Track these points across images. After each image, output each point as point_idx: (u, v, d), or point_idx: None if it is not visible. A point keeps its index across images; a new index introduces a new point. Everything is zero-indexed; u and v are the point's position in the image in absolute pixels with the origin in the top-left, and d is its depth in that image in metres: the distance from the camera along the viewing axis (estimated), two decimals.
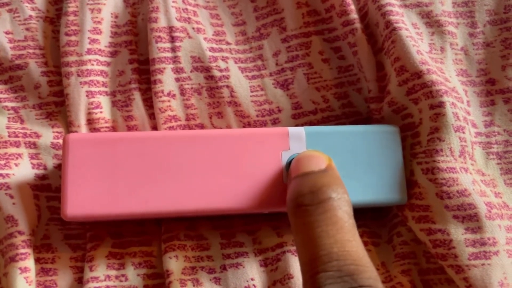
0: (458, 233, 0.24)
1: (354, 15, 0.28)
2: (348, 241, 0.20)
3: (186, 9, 0.29)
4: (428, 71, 0.25)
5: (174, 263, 0.25)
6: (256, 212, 0.25)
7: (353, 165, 0.25)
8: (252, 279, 0.25)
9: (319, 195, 0.21)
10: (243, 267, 0.26)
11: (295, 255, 0.26)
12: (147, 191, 0.23)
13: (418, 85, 0.26)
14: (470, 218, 0.24)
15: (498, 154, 0.28)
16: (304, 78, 0.28)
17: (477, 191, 0.24)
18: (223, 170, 0.24)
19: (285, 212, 0.24)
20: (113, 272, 0.25)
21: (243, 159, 0.24)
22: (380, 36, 0.28)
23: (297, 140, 0.25)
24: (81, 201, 0.23)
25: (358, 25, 0.28)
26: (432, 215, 0.25)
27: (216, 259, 0.26)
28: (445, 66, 0.28)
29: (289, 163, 0.24)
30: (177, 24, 0.28)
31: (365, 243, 0.27)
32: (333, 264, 0.19)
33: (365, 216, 0.28)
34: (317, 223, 0.20)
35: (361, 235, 0.27)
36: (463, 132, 0.25)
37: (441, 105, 0.25)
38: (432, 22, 0.29)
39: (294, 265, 0.25)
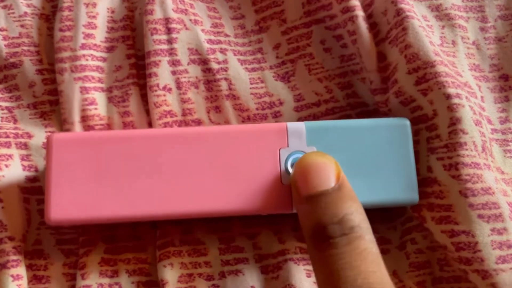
0: (484, 235, 0.22)
1: (354, 2, 0.27)
2: (372, 272, 0.19)
3: (183, 1, 0.28)
4: (441, 62, 0.24)
5: (169, 272, 0.24)
6: (252, 214, 0.23)
7: (359, 163, 0.23)
8: (252, 287, 0.24)
9: (343, 225, 0.19)
10: (243, 274, 0.25)
11: (298, 264, 0.24)
12: (136, 193, 0.22)
13: (431, 73, 0.24)
14: (496, 218, 0.23)
15: None
16: (305, 69, 0.27)
17: (500, 190, 0.23)
18: (217, 170, 0.23)
19: (283, 213, 0.23)
20: (106, 280, 0.25)
21: (238, 158, 0.23)
22: (386, 24, 0.27)
23: (296, 137, 0.23)
24: (66, 204, 0.22)
25: (358, 12, 0.27)
26: (455, 215, 0.23)
27: (214, 266, 0.25)
28: (458, 60, 0.27)
29: (286, 161, 0.23)
30: (174, 15, 0.27)
31: None
32: None
33: (374, 218, 0.26)
34: (341, 255, 0.19)
35: None
36: (481, 127, 0.24)
37: (458, 96, 0.24)
38: (442, 16, 0.28)
39: (296, 275, 0.24)
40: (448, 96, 0.24)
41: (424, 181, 0.24)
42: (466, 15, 0.29)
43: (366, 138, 0.23)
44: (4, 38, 0.28)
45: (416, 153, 0.25)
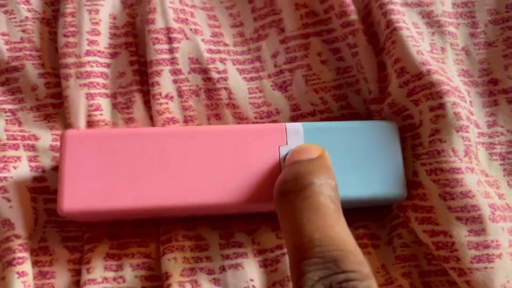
0: (461, 235, 0.24)
1: (354, 16, 0.28)
2: (330, 226, 0.19)
3: (184, 9, 0.29)
4: (428, 72, 0.25)
5: (173, 265, 0.25)
6: (254, 208, 0.25)
7: (351, 160, 0.25)
8: (251, 280, 0.25)
9: (301, 181, 0.20)
10: (243, 268, 0.25)
11: None
12: (144, 186, 0.23)
13: (419, 86, 0.25)
14: (474, 220, 0.24)
15: (501, 155, 0.27)
16: (302, 79, 0.28)
17: (482, 192, 0.24)
18: (221, 166, 0.24)
19: None
20: (110, 274, 0.25)
21: (240, 154, 0.24)
22: (382, 35, 0.28)
23: (294, 135, 0.25)
24: (78, 196, 0.23)
25: (358, 26, 0.28)
26: (435, 216, 0.24)
27: (215, 260, 0.26)
28: (447, 66, 0.28)
29: (285, 156, 0.24)
30: (175, 25, 0.28)
31: (365, 245, 0.26)
32: (315, 250, 0.19)
33: (365, 217, 0.28)
34: (300, 210, 0.20)
35: (361, 237, 0.27)
36: (467, 132, 0.25)
37: (441, 106, 0.25)
38: (433, 22, 0.28)
39: None
40: (431, 108, 0.25)
41: (411, 184, 0.26)
42: (456, 22, 0.29)
43: (358, 138, 0.25)
44: (6, 43, 0.28)
45: (404, 159, 0.26)
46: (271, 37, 0.29)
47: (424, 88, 0.25)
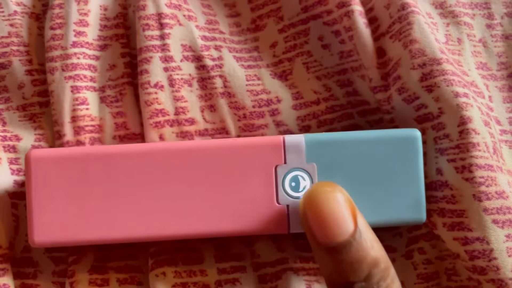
0: (499, 241, 0.22)
1: None
2: None
3: None
4: (447, 61, 0.24)
5: (161, 282, 0.23)
6: (245, 235, 0.22)
7: (363, 180, 0.22)
8: None
9: (371, 280, 0.19)
10: (240, 284, 0.24)
11: (298, 275, 0.24)
12: (122, 214, 0.22)
13: (437, 71, 0.23)
14: (510, 224, 0.22)
15: None
16: (303, 67, 0.27)
17: None
18: (207, 189, 0.22)
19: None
20: None
21: (230, 176, 0.22)
22: (388, 18, 0.26)
23: (294, 152, 0.22)
24: (50, 226, 0.22)
25: (355, 6, 0.26)
26: (468, 221, 0.22)
27: (210, 274, 0.24)
28: (464, 58, 0.26)
29: (283, 179, 0.22)
30: (167, 10, 0.26)
31: None
32: None
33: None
34: None
35: None
36: (491, 127, 0.23)
37: (466, 95, 0.23)
38: (446, 13, 0.27)
39: (296, 285, 0.23)
40: (456, 94, 0.23)
41: (434, 185, 0.23)
42: (471, 12, 0.28)
43: (371, 152, 0.22)
44: None
45: (424, 155, 0.23)
46: (269, 27, 0.28)
47: (444, 73, 0.23)
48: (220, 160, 0.22)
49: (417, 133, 0.22)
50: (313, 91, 0.26)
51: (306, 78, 0.26)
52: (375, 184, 0.22)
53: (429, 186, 0.23)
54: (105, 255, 0.24)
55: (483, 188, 0.22)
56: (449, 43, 0.26)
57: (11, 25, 0.27)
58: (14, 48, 0.27)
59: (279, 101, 0.26)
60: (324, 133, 0.23)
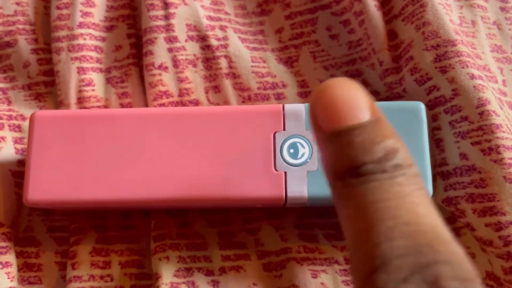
0: None
1: None
2: (422, 206, 0.14)
3: None
4: (462, 42, 0.23)
5: (164, 266, 0.23)
6: (244, 204, 0.22)
7: None
8: (254, 284, 0.23)
9: (385, 163, 0.15)
10: (244, 271, 0.23)
11: (301, 264, 0.23)
12: (119, 176, 0.21)
13: (452, 52, 0.22)
14: None
15: None
16: (310, 56, 0.26)
17: None
18: (206, 154, 0.21)
19: (283, 209, 0.22)
20: (97, 272, 0.24)
21: (229, 141, 0.21)
22: (401, 0, 0.25)
23: (294, 119, 0.21)
24: (45, 185, 0.21)
25: None
26: (500, 204, 0.21)
27: (214, 261, 0.24)
28: (478, 40, 0.25)
29: (282, 146, 0.21)
30: None
31: None
32: (402, 230, 0.13)
33: None
34: (381, 188, 0.14)
35: None
36: (504, 112, 0.23)
37: (481, 78, 0.22)
38: None
39: (300, 275, 0.23)
40: (472, 76, 0.22)
41: (459, 170, 0.22)
42: None
43: None
44: None
45: (440, 141, 0.22)
46: (276, 12, 0.27)
47: (459, 55, 0.22)
48: (220, 126, 0.21)
49: (421, 105, 0.22)
50: (319, 80, 0.26)
51: (312, 67, 0.26)
52: None
53: (453, 173, 0.22)
54: (106, 237, 0.24)
55: None
56: (463, 25, 0.26)
57: (18, 3, 0.27)
58: (20, 26, 0.27)
59: (284, 86, 0.25)
60: None
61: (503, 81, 0.25)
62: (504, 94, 0.25)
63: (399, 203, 0.14)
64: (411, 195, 0.14)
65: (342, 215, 0.15)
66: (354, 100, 0.15)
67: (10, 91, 0.26)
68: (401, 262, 0.12)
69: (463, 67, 0.22)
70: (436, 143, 0.23)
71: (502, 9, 0.27)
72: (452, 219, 0.23)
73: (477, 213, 0.22)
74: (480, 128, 0.22)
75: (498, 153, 0.21)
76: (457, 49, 0.22)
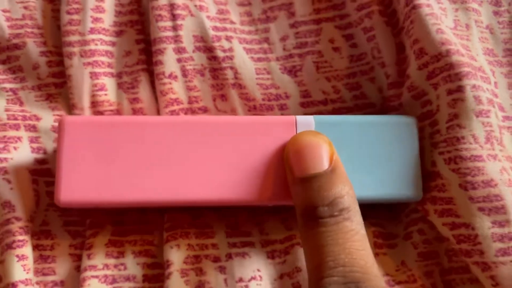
0: (484, 227, 0.23)
1: None
2: (356, 250, 0.20)
3: None
4: (447, 53, 0.24)
5: (175, 253, 0.25)
6: (259, 204, 0.24)
7: (365, 158, 0.24)
8: (258, 270, 0.25)
9: (333, 207, 0.20)
10: (250, 257, 0.25)
11: None
12: (144, 178, 0.23)
13: (438, 68, 0.24)
14: (497, 211, 0.23)
15: None
16: (313, 66, 0.27)
17: (505, 181, 0.23)
18: (225, 160, 0.23)
19: (289, 205, 0.23)
20: (111, 261, 0.25)
21: (246, 148, 0.23)
22: (401, 13, 0.26)
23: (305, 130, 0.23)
24: (76, 186, 0.22)
25: (375, 7, 0.27)
26: (456, 208, 0.23)
27: (221, 248, 0.25)
28: (472, 43, 0.26)
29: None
30: (179, 1, 0.27)
31: (380, 246, 0.26)
32: (338, 270, 0.19)
33: (380, 214, 0.27)
34: (328, 233, 0.20)
35: (377, 236, 0.26)
36: (488, 117, 0.24)
37: (459, 89, 0.24)
38: None
39: (303, 258, 0.24)
40: (449, 92, 0.24)
41: (429, 175, 0.25)
42: None
43: (373, 134, 0.24)
44: (7, 20, 0.27)
45: (422, 149, 0.25)
46: (281, 19, 0.28)
47: (442, 70, 0.24)
48: (239, 134, 0.23)
49: (413, 119, 0.24)
50: (321, 91, 0.27)
51: (315, 78, 0.27)
52: (375, 162, 0.24)
53: (425, 177, 0.25)
54: (122, 230, 0.26)
55: (468, 178, 0.23)
56: (458, 28, 0.26)
57: (25, 7, 0.28)
58: (29, 30, 0.27)
59: (287, 97, 0.27)
60: (331, 115, 0.25)
61: (495, 83, 0.26)
62: (496, 96, 0.26)
63: (341, 248, 0.19)
64: (351, 239, 0.20)
65: (304, 250, 0.21)
66: (318, 151, 0.21)
67: (21, 91, 0.27)
68: None
69: (445, 83, 0.24)
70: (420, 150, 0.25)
71: (495, 13, 0.28)
72: (422, 218, 0.25)
73: (437, 213, 0.24)
74: (445, 140, 0.24)
75: (456, 163, 0.23)
76: (441, 64, 0.24)
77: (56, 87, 0.28)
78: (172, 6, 0.27)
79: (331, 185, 0.21)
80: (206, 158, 0.23)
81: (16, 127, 0.26)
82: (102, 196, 0.23)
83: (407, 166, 0.24)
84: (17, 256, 0.24)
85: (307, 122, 0.23)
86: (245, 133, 0.23)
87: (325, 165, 0.21)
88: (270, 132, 0.23)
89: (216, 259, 0.25)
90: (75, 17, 0.27)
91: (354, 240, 0.20)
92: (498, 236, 0.22)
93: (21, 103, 0.27)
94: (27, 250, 0.24)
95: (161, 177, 0.23)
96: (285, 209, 0.26)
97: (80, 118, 0.23)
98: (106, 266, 0.25)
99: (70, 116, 0.23)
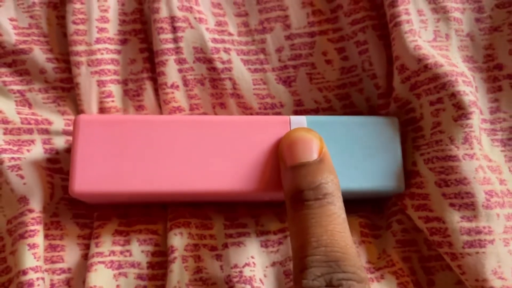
0: (453, 221, 0.24)
1: (364, 13, 0.28)
2: (338, 232, 0.21)
3: None
4: (425, 68, 0.26)
5: (179, 240, 0.26)
6: (255, 196, 0.26)
7: (352, 153, 0.26)
8: (252, 257, 0.26)
9: (318, 191, 0.22)
10: (244, 245, 0.26)
11: None
12: (152, 171, 0.24)
13: (419, 82, 0.26)
14: (467, 207, 0.24)
15: (502, 142, 0.28)
16: (306, 78, 0.29)
17: (479, 179, 0.24)
18: (224, 155, 0.25)
19: (283, 199, 0.24)
20: (118, 248, 0.26)
21: (244, 144, 0.25)
22: (389, 29, 0.28)
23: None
24: (89, 178, 0.24)
25: (369, 22, 0.28)
26: (430, 203, 0.25)
27: (218, 238, 0.27)
28: (451, 53, 0.27)
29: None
30: (179, 13, 0.28)
31: (366, 235, 0.27)
32: (321, 249, 0.20)
33: (367, 208, 0.29)
34: (313, 215, 0.21)
35: (363, 226, 0.28)
36: (468, 118, 0.25)
37: (439, 101, 0.25)
38: (439, 8, 0.28)
39: None
40: (431, 103, 0.26)
41: (409, 174, 0.26)
42: (462, 6, 0.29)
43: (359, 132, 0.26)
44: (14, 28, 0.28)
45: (404, 150, 0.27)
46: (277, 31, 0.29)
47: (423, 84, 0.26)
48: (237, 131, 0.25)
49: (395, 119, 0.26)
50: (314, 100, 0.29)
51: (308, 88, 0.29)
52: (361, 157, 0.25)
53: (406, 176, 0.26)
54: (128, 221, 0.27)
55: (443, 176, 0.25)
56: (437, 40, 0.27)
57: (31, 16, 0.28)
58: (35, 38, 0.28)
59: (282, 106, 0.29)
60: (322, 116, 0.27)
61: (476, 87, 0.28)
62: (476, 99, 0.27)
63: (323, 230, 0.21)
64: (333, 222, 0.21)
65: (290, 231, 0.22)
66: (308, 144, 0.23)
67: (28, 93, 0.28)
68: (315, 270, 0.20)
69: (426, 95, 0.26)
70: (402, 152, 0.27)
71: (477, 20, 0.29)
72: (401, 210, 0.27)
73: (413, 208, 0.26)
74: (427, 144, 0.26)
75: (433, 163, 0.25)
76: (421, 78, 0.26)
77: (64, 90, 0.28)
78: (172, 19, 0.28)
79: (318, 172, 0.22)
80: (207, 152, 0.25)
81: (30, 132, 0.27)
82: (113, 186, 0.24)
83: (390, 161, 0.26)
84: (29, 244, 0.25)
85: (300, 121, 0.25)
86: (243, 130, 0.25)
87: (314, 155, 0.23)
88: (266, 129, 0.25)
89: (213, 249, 0.26)
90: (81, 27, 0.28)
91: (336, 223, 0.21)
92: (466, 229, 0.24)
93: (30, 105, 0.28)
94: (38, 239, 0.25)
95: (166, 170, 0.24)
96: (280, 204, 0.28)
97: (94, 116, 0.25)
98: (113, 252, 0.26)
99: (85, 115, 0.25)
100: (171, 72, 0.28)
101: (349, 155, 0.26)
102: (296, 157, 0.23)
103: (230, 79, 0.28)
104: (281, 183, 0.24)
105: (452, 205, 0.25)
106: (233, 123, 0.25)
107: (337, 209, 0.22)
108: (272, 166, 0.25)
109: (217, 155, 0.25)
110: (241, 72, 0.28)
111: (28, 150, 0.27)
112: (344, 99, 0.29)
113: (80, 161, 0.24)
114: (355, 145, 0.26)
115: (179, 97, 0.28)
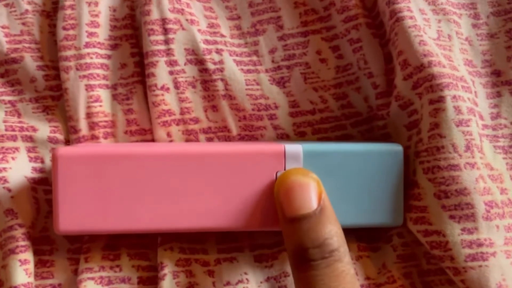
0: (454, 234, 0.24)
1: (356, 10, 0.28)
2: None
3: (179, 0, 0.28)
4: (429, 64, 0.25)
5: (169, 255, 0.25)
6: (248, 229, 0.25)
7: (350, 187, 0.24)
8: (245, 273, 0.25)
9: (323, 249, 0.21)
10: (237, 261, 0.26)
11: None
12: (139, 208, 0.24)
13: (421, 79, 0.25)
14: (467, 218, 0.24)
15: (504, 149, 0.27)
16: (301, 77, 0.28)
17: (479, 189, 0.24)
18: (216, 190, 0.24)
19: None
20: (107, 263, 0.26)
21: (236, 179, 0.24)
22: (387, 25, 0.27)
23: (293, 160, 0.24)
24: (73, 217, 0.23)
25: (362, 19, 0.27)
26: (428, 216, 0.24)
27: (211, 253, 0.26)
28: (454, 54, 0.27)
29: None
30: (170, 15, 0.28)
31: (363, 249, 0.27)
32: None
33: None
34: (321, 276, 0.21)
35: (360, 240, 0.27)
36: (468, 126, 0.24)
37: (440, 100, 0.24)
38: (438, 10, 0.28)
39: None
40: (430, 101, 0.25)
41: (409, 184, 0.25)
42: (459, 12, 0.29)
43: (359, 163, 0.24)
44: (6, 35, 0.28)
45: (407, 157, 0.26)
46: (269, 33, 0.29)
47: (425, 81, 0.25)
48: (228, 165, 0.24)
49: (399, 147, 0.25)
50: (309, 101, 0.28)
51: (303, 88, 0.28)
52: (360, 191, 0.24)
53: (406, 185, 0.25)
54: (118, 236, 0.26)
55: (443, 187, 0.24)
56: (441, 39, 0.27)
57: (23, 23, 0.29)
58: (26, 45, 0.28)
59: (276, 107, 0.28)
60: (319, 143, 0.26)
61: (475, 92, 0.27)
62: (476, 105, 0.27)
63: (333, 284, 0.20)
64: (343, 282, 0.21)
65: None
66: (307, 191, 0.22)
67: (19, 103, 0.28)
68: None
69: (427, 93, 0.25)
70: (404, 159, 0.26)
71: (474, 25, 0.29)
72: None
73: (412, 221, 0.25)
74: (426, 150, 0.25)
75: (433, 173, 0.24)
76: (423, 74, 0.25)
77: (53, 99, 0.28)
78: (164, 21, 0.28)
79: (320, 226, 0.21)
80: (198, 188, 0.24)
81: (13, 138, 0.27)
82: (99, 225, 0.24)
83: (390, 195, 0.25)
84: (20, 260, 0.24)
85: (295, 151, 0.24)
86: (235, 164, 0.24)
87: (313, 205, 0.22)
88: (259, 163, 0.24)
89: (205, 264, 0.26)
90: (70, 32, 0.28)
91: (346, 282, 0.21)
92: (467, 242, 0.23)
93: (19, 115, 0.28)
94: (29, 255, 0.25)
95: (155, 207, 0.24)
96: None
97: (72, 150, 0.24)
98: (102, 268, 0.25)
99: (62, 148, 0.24)
100: (161, 74, 0.27)
101: (347, 188, 0.25)
102: (294, 208, 0.22)
103: (222, 79, 0.28)
104: (276, 220, 0.24)
105: (452, 217, 0.24)
106: (223, 156, 0.24)
107: (345, 265, 0.21)
108: (265, 203, 0.24)
109: (207, 191, 0.24)
110: (233, 72, 0.28)
111: (13, 158, 0.27)
112: (341, 99, 0.28)
113: (63, 200, 0.23)
114: (353, 177, 0.25)
115: (169, 99, 0.27)
